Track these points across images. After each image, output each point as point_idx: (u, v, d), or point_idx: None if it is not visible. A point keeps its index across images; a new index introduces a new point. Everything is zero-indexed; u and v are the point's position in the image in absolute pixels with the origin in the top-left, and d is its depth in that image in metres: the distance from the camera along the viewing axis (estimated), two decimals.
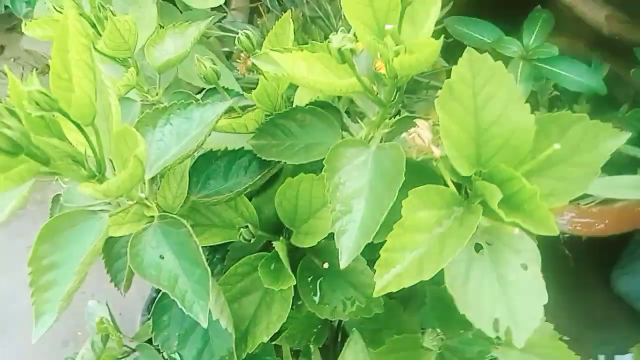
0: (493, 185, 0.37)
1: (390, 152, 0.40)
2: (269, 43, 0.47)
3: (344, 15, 1.05)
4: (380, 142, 0.42)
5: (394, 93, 0.39)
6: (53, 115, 0.30)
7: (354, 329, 0.53)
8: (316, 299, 0.49)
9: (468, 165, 0.40)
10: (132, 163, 0.28)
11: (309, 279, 0.50)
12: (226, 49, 1.06)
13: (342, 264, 0.36)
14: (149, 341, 0.69)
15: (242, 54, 0.76)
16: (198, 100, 0.58)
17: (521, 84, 0.86)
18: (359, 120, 0.48)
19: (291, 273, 0.43)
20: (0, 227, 1.26)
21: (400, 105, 0.46)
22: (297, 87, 0.52)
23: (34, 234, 0.36)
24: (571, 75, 0.87)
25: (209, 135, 0.40)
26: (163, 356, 0.65)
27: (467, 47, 0.38)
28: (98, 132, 0.32)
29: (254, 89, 0.65)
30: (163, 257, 0.39)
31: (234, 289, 0.48)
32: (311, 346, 0.58)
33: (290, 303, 0.45)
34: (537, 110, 0.92)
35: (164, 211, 0.42)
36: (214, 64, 0.45)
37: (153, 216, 0.40)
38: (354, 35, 0.38)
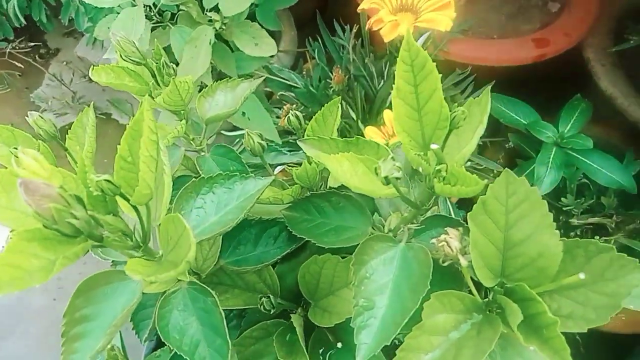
0: (514, 305, 0.38)
1: (418, 253, 0.41)
2: (315, 123, 0.50)
3: (385, 77, 1.07)
4: (409, 238, 0.44)
5: (430, 199, 0.41)
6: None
7: None
8: None
9: (492, 275, 0.41)
10: (182, 266, 0.30)
11: (320, 352, 0.51)
12: (267, 89, 1.10)
13: None
14: None
15: (284, 107, 0.79)
16: (237, 154, 0.61)
17: (552, 171, 0.87)
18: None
19: (305, 352, 0.44)
20: None
21: None
22: None
23: None
24: (603, 170, 0.88)
25: (250, 209, 0.42)
26: None
27: (505, 170, 0.39)
28: (150, 210, 0.34)
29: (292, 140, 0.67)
30: (187, 322, 0.41)
31: (247, 351, 0.49)
32: None
33: None
34: (564, 196, 0.92)
35: (194, 273, 0.44)
36: (262, 139, 0.47)
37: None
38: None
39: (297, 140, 0.44)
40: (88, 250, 0.31)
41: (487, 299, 0.44)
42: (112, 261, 0.50)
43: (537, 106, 0.99)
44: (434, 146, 0.35)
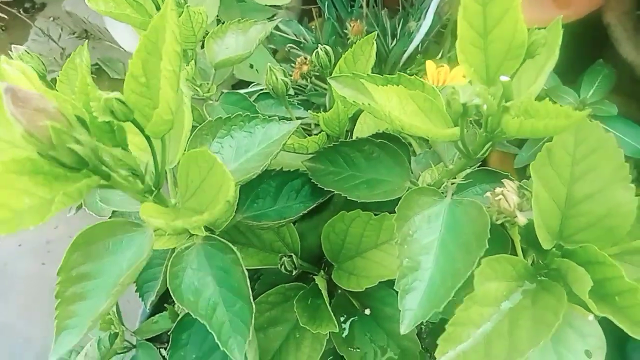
0: (581, 269, 0.33)
1: (468, 209, 0.36)
2: (344, 63, 0.44)
3: (399, 35, 1.00)
4: (454, 193, 0.38)
5: (484, 146, 0.35)
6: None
7: None
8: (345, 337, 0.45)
9: (550, 237, 0.36)
10: (220, 206, 0.24)
11: (342, 319, 0.46)
12: (272, 46, 1.03)
13: (403, 329, 0.32)
14: (151, 339, 0.65)
15: (298, 59, 0.72)
16: (251, 101, 0.55)
17: None
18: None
19: (332, 316, 0.39)
20: None
21: None
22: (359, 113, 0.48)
23: None
24: (626, 139, 0.83)
25: (275, 157, 0.36)
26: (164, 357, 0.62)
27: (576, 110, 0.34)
28: (165, 145, 0.28)
29: (305, 99, 0.60)
30: (203, 283, 0.35)
31: (262, 318, 0.44)
32: None
33: (324, 346, 0.42)
34: None
35: (207, 229, 0.39)
36: (285, 75, 0.41)
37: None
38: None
39: (328, 78, 0.39)
40: (89, 190, 0.25)
41: (536, 264, 0.39)
42: (113, 212, 0.45)
43: (555, 71, 0.93)
44: (503, 78, 0.30)
